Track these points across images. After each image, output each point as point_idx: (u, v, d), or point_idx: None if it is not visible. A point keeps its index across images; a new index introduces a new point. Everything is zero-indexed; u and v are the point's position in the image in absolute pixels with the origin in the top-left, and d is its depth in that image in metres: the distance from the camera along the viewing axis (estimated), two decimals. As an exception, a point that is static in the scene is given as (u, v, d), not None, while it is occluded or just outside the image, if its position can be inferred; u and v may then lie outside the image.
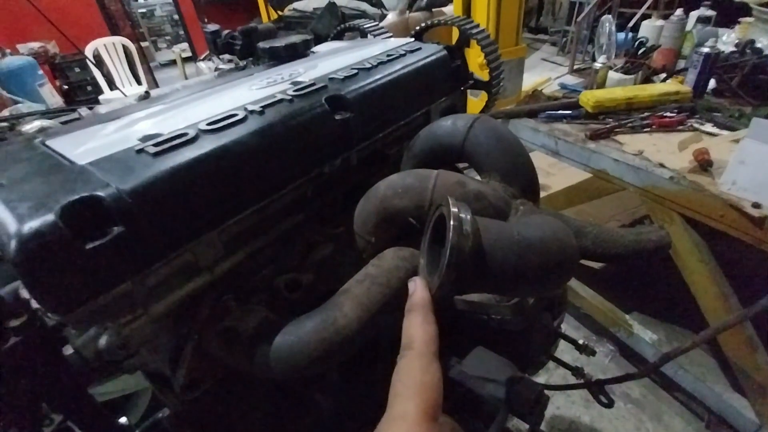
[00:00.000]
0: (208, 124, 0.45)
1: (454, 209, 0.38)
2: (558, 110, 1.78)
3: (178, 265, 0.40)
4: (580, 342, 0.80)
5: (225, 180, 0.42)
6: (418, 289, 0.40)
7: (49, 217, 0.31)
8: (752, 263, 1.65)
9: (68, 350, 0.38)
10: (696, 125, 1.56)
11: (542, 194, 2.39)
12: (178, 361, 0.44)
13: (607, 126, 1.61)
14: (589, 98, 1.72)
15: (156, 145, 0.41)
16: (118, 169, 0.37)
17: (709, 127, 1.54)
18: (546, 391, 0.60)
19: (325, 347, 0.41)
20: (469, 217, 0.38)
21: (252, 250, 0.47)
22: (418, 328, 0.37)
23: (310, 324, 0.42)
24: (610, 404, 0.78)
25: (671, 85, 1.77)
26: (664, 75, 1.94)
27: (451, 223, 0.37)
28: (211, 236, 0.42)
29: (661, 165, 1.37)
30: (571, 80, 2.30)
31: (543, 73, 2.02)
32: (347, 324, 0.41)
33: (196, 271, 0.42)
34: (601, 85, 1.94)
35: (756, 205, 1.13)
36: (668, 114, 1.61)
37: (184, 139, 0.42)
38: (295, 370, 0.41)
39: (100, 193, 0.34)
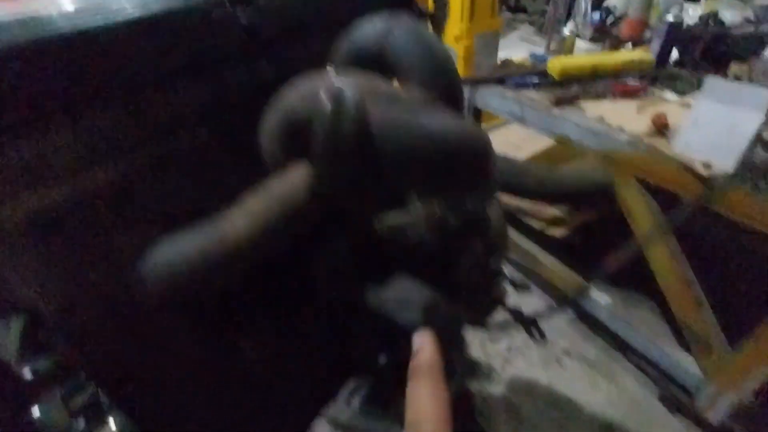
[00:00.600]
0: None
1: (337, 84, 0.35)
2: (526, 76, 1.77)
3: (26, 156, 0.35)
4: (515, 282, 0.79)
5: (83, 54, 0.36)
6: (425, 347, 0.33)
7: None
8: (703, 227, 1.71)
9: None
10: (656, 92, 1.58)
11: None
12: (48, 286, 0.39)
13: (572, 92, 1.61)
14: (555, 65, 1.71)
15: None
16: None
17: (668, 95, 1.56)
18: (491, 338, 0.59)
19: (208, 262, 0.37)
20: (353, 95, 0.35)
21: (134, 164, 0.42)
22: (427, 401, 0.31)
23: (194, 237, 0.38)
24: (542, 337, 0.79)
25: (635, 53, 1.78)
26: (630, 45, 1.95)
27: (328, 103, 0.34)
28: (65, 124, 0.36)
29: (621, 129, 1.38)
30: (541, 50, 2.29)
31: (520, 54, 1.99)
32: (235, 238, 0.37)
33: (52, 172, 0.37)
34: (569, 53, 1.94)
35: (707, 165, 1.15)
36: (630, 81, 1.62)
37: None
38: (176, 289, 0.37)
39: None
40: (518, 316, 0.79)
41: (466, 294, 0.57)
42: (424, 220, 0.44)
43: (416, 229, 0.45)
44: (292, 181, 0.41)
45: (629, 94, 1.57)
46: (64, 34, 0.37)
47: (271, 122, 0.43)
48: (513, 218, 2.30)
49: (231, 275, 0.39)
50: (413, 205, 0.43)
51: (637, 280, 1.97)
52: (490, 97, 1.78)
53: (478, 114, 1.95)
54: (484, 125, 2.76)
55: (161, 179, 0.46)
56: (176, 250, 0.37)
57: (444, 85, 0.46)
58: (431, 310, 0.46)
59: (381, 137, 0.35)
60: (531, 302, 1.98)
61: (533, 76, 1.76)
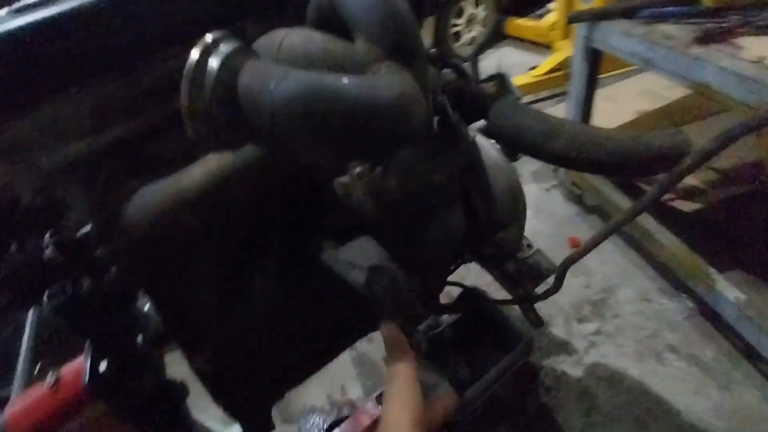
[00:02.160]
0: None
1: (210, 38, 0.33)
2: (666, 6, 1.40)
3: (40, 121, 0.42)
4: (520, 255, 0.67)
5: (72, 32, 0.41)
6: (391, 331, 0.47)
7: None
8: None
9: None
10: None
11: (631, 119, 1.98)
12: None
13: (727, 25, 1.23)
14: (711, -12, 1.31)
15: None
16: None
17: None
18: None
19: (163, 208, 0.41)
20: (225, 48, 0.33)
21: (139, 127, 0.46)
22: (398, 361, 0.45)
23: (156, 185, 0.42)
24: (538, 323, 0.68)
25: None
26: None
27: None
28: (71, 96, 0.42)
29: (788, 74, 1.02)
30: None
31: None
32: (191, 186, 0.40)
33: (65, 135, 0.43)
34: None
35: None
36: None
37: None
38: (140, 226, 0.42)
39: None
40: (517, 294, 0.69)
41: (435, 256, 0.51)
42: (356, 179, 0.40)
43: (353, 189, 0.42)
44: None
45: (821, 24, 1.13)
46: (72, 10, 0.42)
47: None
48: (632, 185, 1.95)
49: (188, 221, 0.43)
50: (350, 165, 0.40)
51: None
52: (610, 36, 1.47)
53: (596, 58, 1.64)
54: (607, 74, 2.30)
55: (167, 136, 0.51)
56: (139, 198, 0.43)
57: (392, 39, 0.39)
58: (374, 271, 0.43)
59: (245, 98, 0.33)
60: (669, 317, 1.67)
61: (677, 4, 1.38)
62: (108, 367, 0.66)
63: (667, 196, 1.77)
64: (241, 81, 0.33)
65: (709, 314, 1.57)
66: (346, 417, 1.48)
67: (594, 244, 0.55)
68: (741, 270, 1.59)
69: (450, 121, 0.45)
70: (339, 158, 0.41)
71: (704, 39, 1.23)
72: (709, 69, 1.16)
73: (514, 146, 0.56)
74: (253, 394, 0.73)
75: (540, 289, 0.73)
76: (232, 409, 0.71)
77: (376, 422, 1.38)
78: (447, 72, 0.66)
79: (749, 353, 1.43)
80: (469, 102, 0.57)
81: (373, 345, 1.72)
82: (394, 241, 0.47)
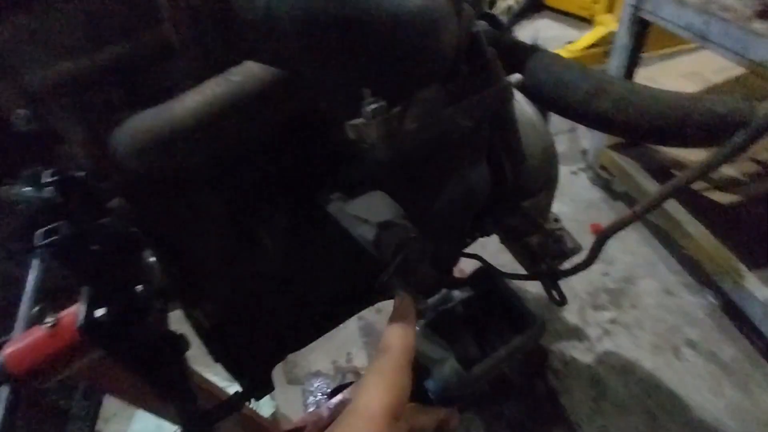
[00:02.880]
0: None
1: None
2: (727, -24, 1.27)
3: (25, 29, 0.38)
4: (547, 226, 0.60)
5: None
6: (403, 302, 0.44)
7: None
8: None
9: None
10: None
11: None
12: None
13: (798, -3, 1.10)
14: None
15: None
16: None
17: None
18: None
19: (154, 135, 0.37)
20: None
21: (143, 46, 0.42)
22: (397, 337, 0.41)
23: (146, 114, 0.38)
24: (562, 301, 0.63)
25: None
26: None
27: None
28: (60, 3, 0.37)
29: None
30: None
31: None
32: (183, 114, 0.36)
33: (55, 50, 0.39)
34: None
35: None
36: None
37: None
38: (130, 157, 0.38)
39: None
40: (540, 269, 0.63)
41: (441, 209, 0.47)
42: (372, 120, 0.35)
43: (367, 131, 0.37)
44: (250, 67, 0.37)
45: None
46: None
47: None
48: (666, 173, 1.84)
49: (182, 152, 0.39)
50: (366, 99, 0.35)
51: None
52: (662, 5, 1.35)
53: (643, 31, 1.51)
54: (656, 52, 2.15)
55: (164, 63, 0.46)
56: (128, 127, 0.39)
57: None
58: (385, 227, 0.39)
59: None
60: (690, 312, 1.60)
61: (741, -26, 1.25)
62: (105, 314, 0.64)
63: (701, 186, 1.67)
64: None
65: (733, 312, 1.50)
66: (350, 383, 1.48)
67: (636, 216, 0.50)
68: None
69: (484, 56, 0.39)
70: (347, 77, 0.36)
71: (764, 14, 1.11)
72: (770, 46, 1.05)
73: (552, 104, 0.50)
74: (253, 353, 0.71)
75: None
76: (232, 366, 0.69)
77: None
78: (482, 23, 0.60)
79: (773, 355, 1.37)
80: (505, 52, 0.51)
81: (381, 316, 1.70)
82: (407, 196, 0.43)
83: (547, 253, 0.61)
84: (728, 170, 1.68)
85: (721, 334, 1.51)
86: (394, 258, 0.39)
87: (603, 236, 0.53)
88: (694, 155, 1.83)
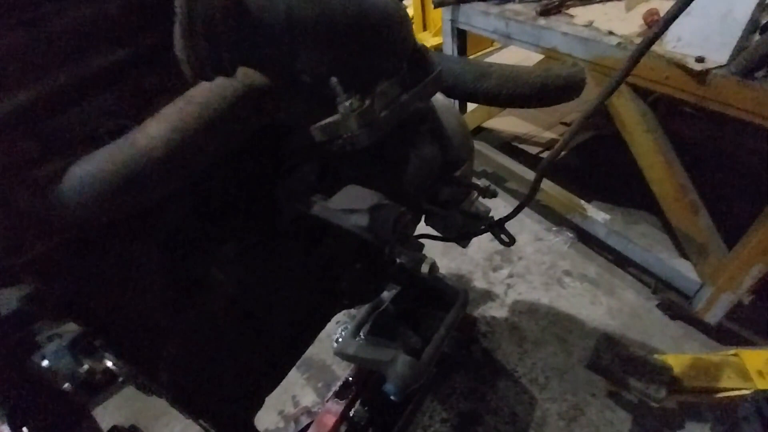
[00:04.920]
0: None
1: None
2: (509, -11, 1.65)
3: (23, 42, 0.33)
4: (481, 185, 0.76)
5: None
6: None
7: None
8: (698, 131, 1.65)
9: None
10: (650, -12, 1.45)
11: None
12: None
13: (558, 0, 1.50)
14: (540, -29, 1.58)
15: None
16: None
17: (663, -10, 1.44)
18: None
19: (121, 174, 0.35)
20: None
21: (51, 86, 0.38)
22: None
23: (106, 150, 0.36)
24: (511, 242, 0.79)
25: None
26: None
27: None
28: (53, 13, 0.34)
29: (610, 33, 1.29)
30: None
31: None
32: (150, 145, 0.35)
33: (47, 59, 0.35)
34: (556, -43, 1.78)
35: (699, 59, 1.08)
36: (622, -21, 1.49)
37: None
38: (91, 206, 0.35)
39: None
40: (485, 222, 0.78)
41: (414, 189, 0.56)
42: (350, 113, 0.41)
43: (346, 125, 0.43)
44: (212, 85, 0.38)
45: (620, -7, 1.46)
46: None
47: (176, 22, 0.40)
48: (508, 146, 2.25)
49: (150, 187, 0.37)
50: (340, 97, 0.41)
51: (635, 196, 1.95)
52: (473, 16, 1.67)
53: (463, 37, 1.84)
54: (475, 54, 2.62)
55: (90, 102, 0.44)
56: (89, 166, 0.36)
57: None
58: (376, 210, 0.45)
59: (253, 3, 0.32)
60: (557, 248, 1.96)
61: (517, -13, 1.64)
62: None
63: (537, 151, 2.09)
64: None
65: (586, 239, 1.91)
66: (309, 424, 1.42)
67: (570, 136, 0.64)
68: (601, 198, 1.97)
69: (422, 50, 0.48)
70: (342, 61, 0.40)
71: (544, 12, 1.49)
72: (555, 36, 1.41)
73: (449, 91, 0.62)
74: (231, 400, 0.67)
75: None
76: (213, 423, 0.65)
77: (341, 419, 1.36)
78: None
79: (621, 261, 1.79)
80: None
81: (316, 346, 1.68)
82: (376, 180, 0.49)
83: (480, 211, 0.74)
84: (549, 134, 2.14)
85: (584, 258, 1.90)
86: (393, 233, 0.45)
87: (542, 170, 0.66)
88: (524, 128, 2.28)
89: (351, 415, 1.44)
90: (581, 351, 1.58)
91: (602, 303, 1.74)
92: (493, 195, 0.72)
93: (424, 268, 0.53)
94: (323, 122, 0.43)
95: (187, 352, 0.55)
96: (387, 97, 0.44)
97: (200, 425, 0.59)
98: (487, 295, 1.84)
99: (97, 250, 0.47)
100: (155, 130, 0.36)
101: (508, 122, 2.29)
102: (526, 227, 2.10)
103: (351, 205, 0.45)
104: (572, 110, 2.30)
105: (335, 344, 1.67)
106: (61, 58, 0.37)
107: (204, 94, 0.37)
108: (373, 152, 0.46)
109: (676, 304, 1.54)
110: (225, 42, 0.33)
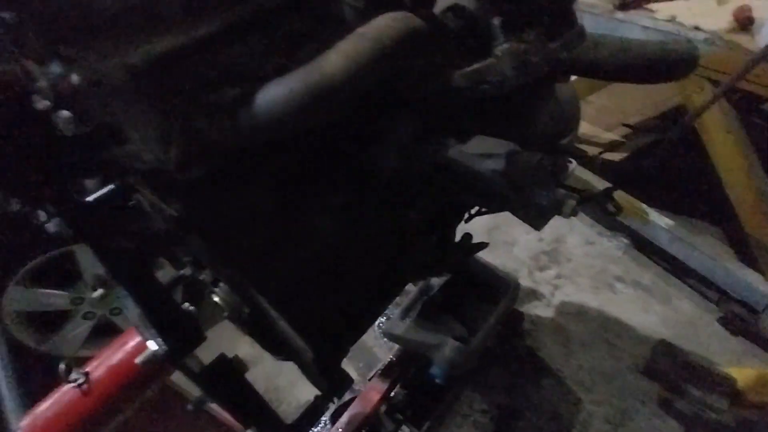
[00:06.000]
0: None
1: None
2: (584, -18, 1.61)
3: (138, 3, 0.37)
4: (590, 155, 0.74)
5: None
6: None
7: None
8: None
9: (40, 103, 0.37)
10: (741, -16, 1.39)
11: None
12: (169, 141, 0.43)
13: (639, -7, 1.46)
14: (620, -37, 1.54)
15: None
16: None
17: (756, -13, 1.37)
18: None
19: (311, 94, 0.39)
20: None
21: (226, 21, 0.43)
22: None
23: (296, 74, 0.40)
24: (619, 209, 0.76)
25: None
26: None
27: None
28: None
29: (696, 28, 1.25)
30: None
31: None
32: (333, 71, 0.39)
33: (161, 22, 0.39)
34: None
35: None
36: (710, -25, 1.43)
37: None
38: (282, 123, 0.40)
39: None
40: (587, 193, 0.76)
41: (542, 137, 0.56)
42: (508, 55, 0.43)
43: (500, 68, 0.44)
44: (381, 24, 0.42)
45: (707, -11, 1.40)
46: None
47: None
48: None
49: (331, 106, 0.42)
50: (497, 40, 0.43)
51: (696, 206, 1.87)
52: (543, 8, 1.65)
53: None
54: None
55: (249, 41, 0.47)
56: (281, 87, 0.40)
57: None
58: (513, 156, 0.45)
59: None
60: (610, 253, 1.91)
61: (593, -20, 1.60)
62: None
63: (595, 151, 2.04)
64: None
65: (642, 246, 1.85)
66: (352, 399, 1.45)
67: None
68: (660, 206, 1.89)
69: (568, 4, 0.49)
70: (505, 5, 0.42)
71: (623, 6, 1.45)
72: (635, 29, 1.37)
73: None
74: (322, 345, 0.69)
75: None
76: (306, 363, 0.66)
77: (383, 397, 1.38)
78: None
79: (680, 270, 1.72)
80: None
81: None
82: (503, 128, 0.50)
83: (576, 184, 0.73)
84: (611, 135, 2.08)
85: (638, 265, 1.84)
86: (527, 179, 0.45)
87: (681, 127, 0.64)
88: (583, 128, 2.22)
89: (391, 395, 1.46)
90: (631, 357, 1.53)
91: (656, 311, 1.67)
92: (598, 162, 0.71)
93: (567, 209, 0.52)
94: (473, 67, 0.45)
95: (289, 291, 0.58)
96: (537, 43, 0.45)
97: (298, 361, 0.61)
98: (533, 294, 1.81)
99: (228, 183, 0.50)
100: (335, 59, 0.40)
101: (564, 122, 2.24)
102: (576, 229, 2.05)
103: (486, 150, 0.46)
104: (636, 112, 2.22)
105: (378, 326, 1.70)
106: None
107: (373, 32, 0.41)
108: (502, 105, 0.47)
109: (741, 318, 1.47)
110: None
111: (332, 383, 0.68)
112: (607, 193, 0.70)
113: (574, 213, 0.54)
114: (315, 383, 0.68)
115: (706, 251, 1.51)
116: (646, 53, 0.59)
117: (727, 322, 1.54)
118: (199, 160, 0.45)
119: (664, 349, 1.22)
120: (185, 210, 0.50)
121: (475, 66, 0.46)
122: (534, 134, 0.56)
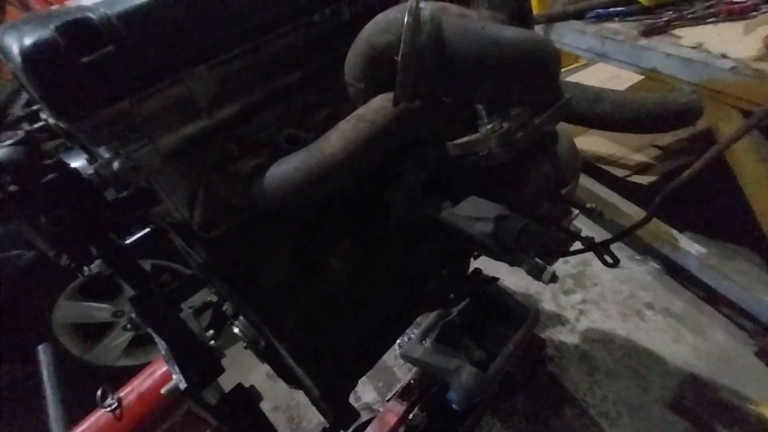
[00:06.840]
0: None
1: (413, 4, 0.38)
2: (609, 8, 1.60)
3: (172, 97, 0.43)
4: (588, 206, 0.74)
5: (207, 9, 0.44)
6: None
7: (46, 32, 0.35)
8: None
9: (87, 170, 0.44)
10: (773, 9, 1.35)
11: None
12: (194, 204, 0.49)
13: (664, 19, 1.44)
14: (645, -11, 1.52)
15: None
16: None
17: (789, 10, 1.33)
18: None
19: (313, 172, 0.44)
20: (429, 9, 0.39)
21: (249, 102, 0.49)
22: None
23: (300, 154, 0.46)
24: (615, 263, 0.76)
25: (748, -35, 1.51)
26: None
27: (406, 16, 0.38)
28: (201, 71, 0.44)
29: (723, 56, 1.22)
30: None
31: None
32: (333, 152, 0.44)
33: (193, 109, 0.45)
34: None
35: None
36: (739, -1, 1.40)
37: None
38: (287, 196, 0.45)
39: (91, 15, 0.37)
40: (588, 241, 0.77)
41: (532, 203, 0.58)
42: (492, 132, 0.46)
43: (486, 143, 0.47)
44: (377, 106, 0.46)
45: (737, 14, 1.36)
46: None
47: (356, 54, 0.48)
48: (593, 168, 2.16)
49: (331, 184, 0.47)
50: (482, 120, 0.46)
51: (733, 231, 1.78)
52: (567, 34, 1.65)
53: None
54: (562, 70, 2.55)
55: (268, 113, 0.53)
56: (287, 166, 0.46)
57: (511, 6, 0.47)
58: (501, 219, 0.48)
59: (454, 43, 0.39)
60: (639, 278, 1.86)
61: (617, 5, 1.59)
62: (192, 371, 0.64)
63: (624, 173, 1.99)
64: (448, 28, 0.40)
65: (673, 271, 1.78)
66: (370, 420, 1.48)
67: (697, 170, 0.63)
68: (697, 229, 1.82)
69: (555, 78, 0.52)
70: (501, 92, 0.47)
71: (647, 32, 1.43)
72: (657, 56, 1.35)
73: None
74: (331, 378, 0.74)
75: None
76: (316, 396, 0.71)
77: (401, 419, 1.40)
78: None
79: (713, 299, 1.65)
80: None
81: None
82: (497, 189, 0.53)
83: (576, 232, 0.74)
84: (639, 157, 2.03)
85: (668, 291, 1.77)
86: (517, 243, 0.48)
87: (669, 190, 0.65)
88: (610, 149, 2.18)
89: (410, 417, 1.47)
90: (659, 390, 1.48)
91: (687, 341, 1.61)
92: (600, 215, 0.72)
93: (545, 277, 0.55)
94: (463, 140, 0.49)
95: (301, 327, 0.63)
96: (521, 120, 0.48)
97: (307, 394, 0.66)
98: (557, 319, 1.78)
99: (248, 232, 0.56)
100: (336, 141, 0.45)
101: (592, 142, 2.20)
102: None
103: (476, 213, 0.50)
104: (666, 133, 2.16)
105: (398, 347, 1.72)
106: (261, 79, 0.47)
107: (371, 114, 0.46)
108: (496, 168, 0.50)
109: (778, 353, 1.39)
110: (427, 73, 0.40)
111: (338, 416, 0.72)
112: (605, 245, 0.71)
113: (553, 280, 0.56)
114: (323, 414, 0.72)
115: (738, 280, 1.45)
116: (646, 107, 0.61)
117: (765, 354, 1.46)
118: (221, 220, 0.50)
119: (692, 384, 1.18)
120: (209, 257, 0.56)
121: (465, 139, 0.49)
122: (526, 194, 0.58)
